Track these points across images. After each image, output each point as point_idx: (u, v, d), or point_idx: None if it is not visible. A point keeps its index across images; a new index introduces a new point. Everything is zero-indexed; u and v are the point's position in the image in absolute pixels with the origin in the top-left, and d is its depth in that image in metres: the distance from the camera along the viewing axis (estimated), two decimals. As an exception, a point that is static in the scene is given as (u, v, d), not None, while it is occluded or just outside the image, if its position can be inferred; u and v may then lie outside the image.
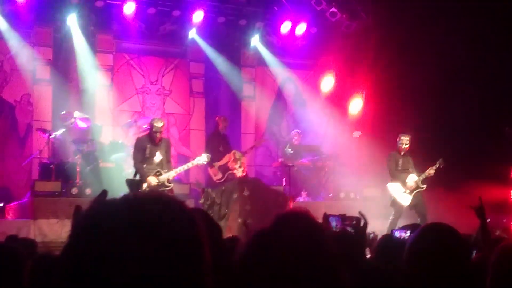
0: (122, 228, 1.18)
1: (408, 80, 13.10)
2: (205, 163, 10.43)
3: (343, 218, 3.80)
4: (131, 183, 9.64)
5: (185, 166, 10.31)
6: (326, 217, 3.77)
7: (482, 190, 10.87)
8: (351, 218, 3.77)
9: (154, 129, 9.71)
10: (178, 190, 10.87)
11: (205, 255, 1.25)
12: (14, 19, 12.17)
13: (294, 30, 14.09)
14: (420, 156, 10.82)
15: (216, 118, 12.25)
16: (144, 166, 9.69)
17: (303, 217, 1.75)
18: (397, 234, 7.74)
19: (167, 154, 9.92)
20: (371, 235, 8.56)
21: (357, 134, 14.30)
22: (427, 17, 12.87)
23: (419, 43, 13.01)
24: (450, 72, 12.55)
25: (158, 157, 9.74)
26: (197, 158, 10.26)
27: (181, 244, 1.21)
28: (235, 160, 9.98)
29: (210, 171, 11.68)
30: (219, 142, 11.79)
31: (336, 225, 3.79)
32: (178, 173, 10.39)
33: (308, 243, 1.64)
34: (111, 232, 1.18)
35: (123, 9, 12.65)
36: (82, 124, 11.62)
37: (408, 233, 7.33)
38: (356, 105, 14.59)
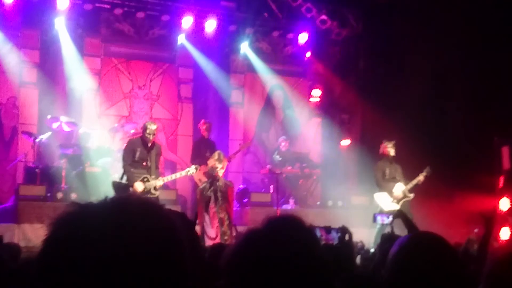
0: (99, 231, 1.17)
1: (397, 88, 13.11)
2: (194, 174, 10.35)
3: (327, 229, 3.75)
4: (117, 186, 9.55)
5: (173, 176, 10.21)
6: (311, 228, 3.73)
7: (470, 200, 10.93)
8: (336, 229, 3.72)
9: (147, 131, 9.55)
10: (165, 196, 10.79)
11: (185, 259, 1.24)
12: (1, 21, 12.07)
13: (284, 37, 14.07)
14: (408, 164, 10.81)
15: (198, 125, 12.21)
16: (132, 170, 9.59)
17: (294, 221, 1.74)
18: (378, 219, 7.74)
19: (156, 159, 9.82)
20: (359, 244, 8.53)
21: (346, 142, 14.31)
22: (416, 26, 12.89)
23: (408, 52, 13.03)
24: (439, 81, 12.58)
25: (147, 162, 9.64)
26: (186, 169, 10.17)
27: (160, 247, 1.19)
28: (220, 160, 9.85)
29: (196, 177, 11.59)
30: (206, 148, 11.71)
31: (321, 236, 3.74)
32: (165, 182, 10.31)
33: (300, 247, 1.64)
34: (87, 234, 1.17)
35: (111, 13, 12.58)
36: (68, 128, 11.53)
37: (390, 218, 7.32)
38: (345, 113, 14.60)
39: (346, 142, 14.27)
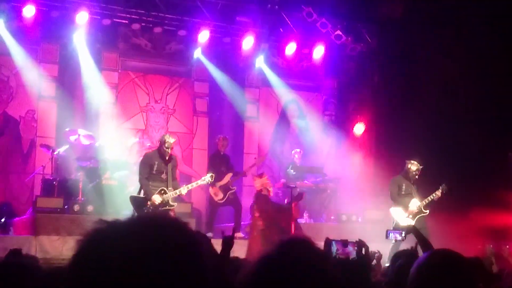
0: (125, 251, 1.19)
1: (412, 102, 13.12)
2: (209, 182, 10.45)
3: (344, 243, 3.78)
4: (135, 200, 9.62)
5: (189, 186, 10.28)
6: (327, 241, 3.76)
7: (485, 216, 10.88)
8: (353, 243, 3.75)
9: (166, 145, 9.69)
10: (180, 209, 10.85)
11: (207, 279, 1.26)
12: (21, 36, 12.24)
13: (299, 52, 14.14)
14: (423, 181, 10.78)
15: (216, 140, 12.25)
16: (150, 183, 9.68)
17: (305, 245, 1.77)
18: (391, 235, 7.75)
19: (173, 172, 9.92)
20: (376, 254, 8.52)
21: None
22: (430, 40, 12.92)
23: (422, 66, 13.05)
24: (453, 95, 12.57)
25: (165, 174, 9.74)
26: (202, 178, 10.32)
27: (184, 267, 1.22)
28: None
29: (211, 191, 11.65)
30: (221, 162, 11.77)
31: (337, 249, 3.76)
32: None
33: (311, 271, 1.65)
34: (115, 253, 1.19)
35: (129, 28, 12.73)
36: (85, 141, 11.65)
37: (403, 234, 7.35)
38: (359, 127, 14.61)
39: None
